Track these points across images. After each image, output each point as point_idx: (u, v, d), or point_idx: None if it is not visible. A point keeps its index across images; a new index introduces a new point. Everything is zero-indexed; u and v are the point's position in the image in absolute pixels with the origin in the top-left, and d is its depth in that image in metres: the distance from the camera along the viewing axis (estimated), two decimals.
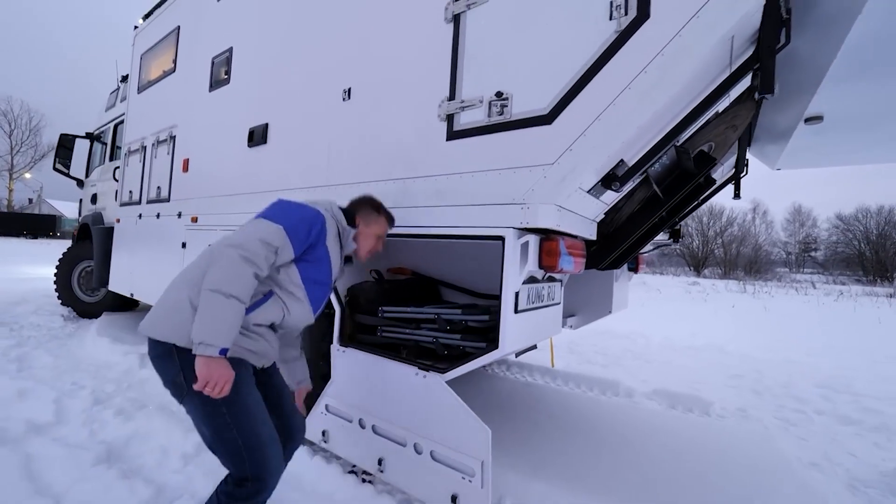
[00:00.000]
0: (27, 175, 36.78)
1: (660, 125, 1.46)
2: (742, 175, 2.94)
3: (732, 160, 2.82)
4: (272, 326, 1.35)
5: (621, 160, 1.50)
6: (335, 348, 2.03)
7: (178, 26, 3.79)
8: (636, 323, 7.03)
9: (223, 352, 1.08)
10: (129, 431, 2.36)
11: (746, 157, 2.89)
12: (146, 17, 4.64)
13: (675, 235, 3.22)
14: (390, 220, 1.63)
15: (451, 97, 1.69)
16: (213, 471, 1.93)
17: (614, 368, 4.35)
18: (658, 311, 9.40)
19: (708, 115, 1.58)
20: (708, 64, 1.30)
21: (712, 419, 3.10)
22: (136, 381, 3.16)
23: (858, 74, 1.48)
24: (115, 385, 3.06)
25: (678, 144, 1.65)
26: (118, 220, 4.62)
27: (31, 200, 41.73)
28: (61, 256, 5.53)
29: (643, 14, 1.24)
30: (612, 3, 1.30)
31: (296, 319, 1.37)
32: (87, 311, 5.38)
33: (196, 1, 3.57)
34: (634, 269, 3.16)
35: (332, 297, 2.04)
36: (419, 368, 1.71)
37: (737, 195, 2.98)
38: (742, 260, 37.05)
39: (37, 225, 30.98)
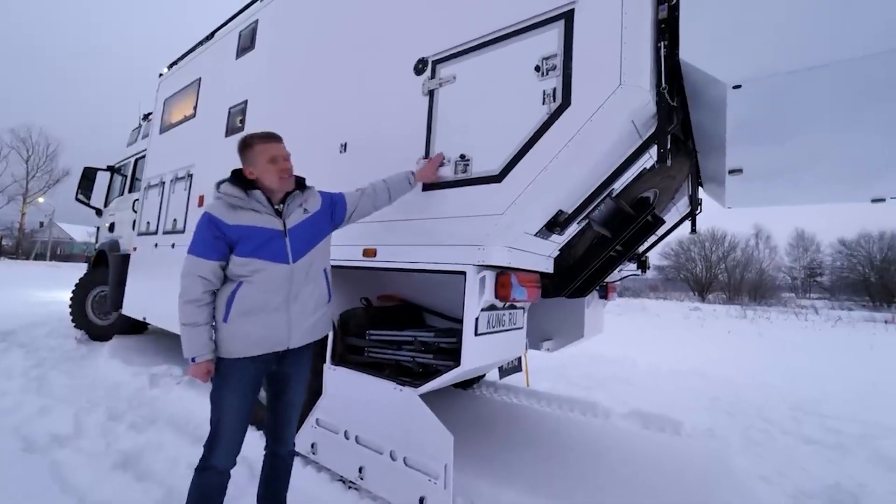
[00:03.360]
0: (40, 199, 37.93)
1: (588, 183, 1.81)
2: (697, 212, 3.28)
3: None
4: (262, 306, 1.56)
5: (560, 210, 1.85)
6: (327, 367, 2.33)
7: (200, 77, 4.28)
8: (628, 348, 7.24)
9: (193, 360, 1.53)
10: (141, 443, 2.63)
11: (700, 197, 3.24)
12: (171, 66, 5.18)
13: (643, 266, 3.54)
14: (266, 138, 1.65)
15: (426, 156, 2.06)
16: None
17: (597, 391, 4.56)
18: (652, 336, 9.58)
19: (634, 172, 1.91)
20: (619, 139, 1.65)
21: (681, 438, 3.31)
22: (147, 399, 3.44)
23: (751, 141, 1.83)
24: (127, 403, 3.33)
25: (614, 195, 1.99)
26: (135, 248, 4.99)
27: (41, 224, 42.80)
28: (77, 282, 5.88)
29: (566, 102, 1.61)
30: (544, 91, 1.67)
31: (271, 280, 1.57)
32: (98, 334, 5.68)
33: (217, 57, 4.07)
34: (605, 296, 3.45)
35: None
36: (397, 384, 2.00)
37: (693, 230, 3.32)
38: (746, 285, 37.01)
39: None
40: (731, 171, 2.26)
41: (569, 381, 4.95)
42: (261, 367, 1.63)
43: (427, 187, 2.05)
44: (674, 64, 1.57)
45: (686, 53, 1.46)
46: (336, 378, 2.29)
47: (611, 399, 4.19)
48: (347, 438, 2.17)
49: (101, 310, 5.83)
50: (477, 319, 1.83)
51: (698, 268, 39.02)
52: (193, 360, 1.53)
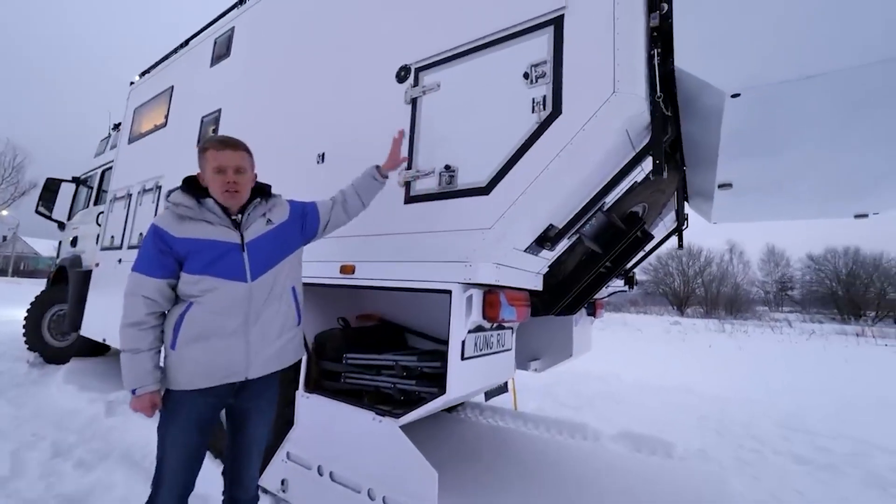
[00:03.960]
0: (4, 212, 36.09)
1: (580, 196, 1.72)
2: (683, 228, 3.25)
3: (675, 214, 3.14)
4: (215, 330, 1.37)
5: (550, 224, 1.74)
6: (300, 394, 2.13)
7: (173, 86, 4.10)
8: (613, 364, 7.16)
9: (134, 391, 1.35)
10: (88, 484, 2.35)
11: (686, 213, 3.22)
12: (142, 74, 4.98)
13: (630, 282, 3.47)
14: (220, 144, 1.46)
15: (409, 167, 1.94)
16: None
17: (585, 411, 4.44)
18: (636, 351, 9.58)
19: (626, 185, 1.84)
20: (612, 150, 1.57)
21: (673, 461, 3.19)
22: (102, 429, 3.13)
23: (743, 154, 1.79)
24: (77, 435, 3.01)
25: (605, 209, 1.90)
26: (97, 264, 4.67)
27: (4, 238, 40.70)
28: (34, 300, 5.47)
29: (557, 110, 1.52)
30: (533, 99, 1.58)
31: (226, 299, 1.38)
32: (54, 357, 5.25)
33: (190, 65, 3.90)
34: (592, 313, 3.36)
35: None
36: (376, 413, 1.83)
37: (680, 246, 3.28)
38: (723, 299, 38.05)
39: None
40: (720, 186, 2.22)
41: (556, 400, 4.81)
42: (212, 402, 1.44)
43: (410, 200, 1.92)
44: (666, 73, 1.50)
45: (682, 61, 1.40)
46: (309, 407, 2.10)
47: (600, 419, 4.07)
48: (321, 475, 1.97)
49: (58, 330, 5.42)
50: (463, 342, 1.69)
51: (676, 282, 40.04)
52: (135, 391, 1.35)
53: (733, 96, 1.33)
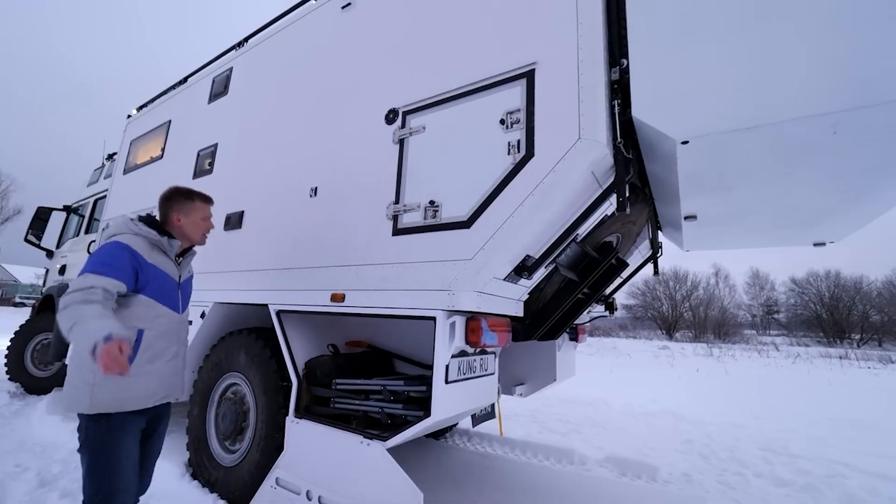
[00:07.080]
0: None
1: (554, 229, 1.87)
2: (658, 255, 3.43)
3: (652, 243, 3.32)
4: (162, 353, 1.57)
5: (527, 255, 1.89)
6: (290, 420, 2.18)
7: (170, 120, 4.26)
8: (601, 389, 7.21)
9: (107, 339, 1.14)
10: None
11: (660, 241, 3.40)
12: (140, 108, 5.15)
13: (610, 308, 3.61)
14: (208, 199, 1.78)
15: (397, 201, 2.09)
16: None
17: (572, 436, 4.47)
18: (624, 377, 9.62)
19: (597, 218, 2.00)
20: (580, 188, 1.74)
21: (657, 485, 3.25)
22: None
23: (701, 191, 1.97)
24: (61, 466, 2.97)
25: (579, 240, 2.06)
26: None
27: None
28: (18, 328, 5.40)
29: (530, 153, 1.69)
30: (509, 143, 1.76)
31: (168, 327, 1.60)
32: (36, 387, 5.15)
33: (189, 101, 4.08)
34: (575, 338, 3.48)
35: (290, 370, 2.24)
36: (364, 437, 1.89)
37: (656, 273, 3.45)
38: (711, 322, 38.36)
39: None
40: (686, 218, 2.40)
41: (543, 426, 4.83)
42: (142, 423, 1.57)
43: (397, 232, 2.06)
44: (627, 120, 1.70)
45: (638, 111, 1.59)
46: (299, 432, 2.14)
47: (586, 445, 4.10)
48: (310, 500, 2.00)
49: (41, 360, 5.33)
50: (447, 366, 1.79)
51: (664, 306, 40.36)
52: (108, 338, 1.14)
53: (683, 143, 1.51)
